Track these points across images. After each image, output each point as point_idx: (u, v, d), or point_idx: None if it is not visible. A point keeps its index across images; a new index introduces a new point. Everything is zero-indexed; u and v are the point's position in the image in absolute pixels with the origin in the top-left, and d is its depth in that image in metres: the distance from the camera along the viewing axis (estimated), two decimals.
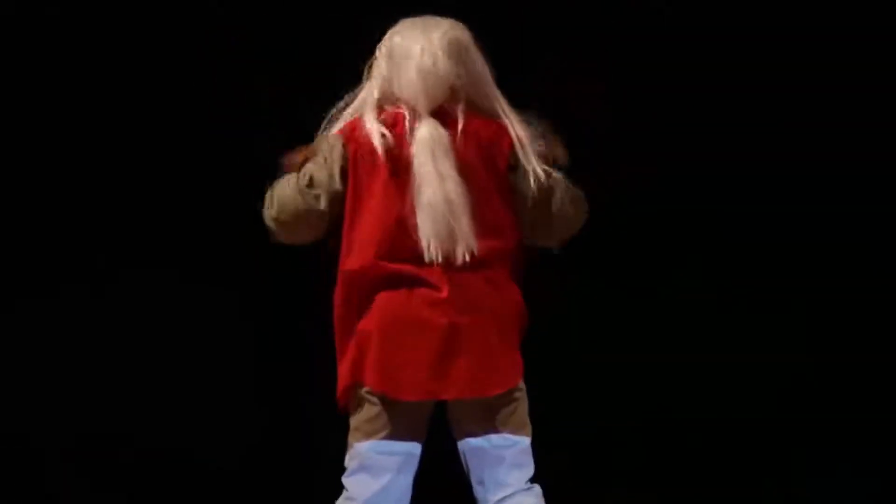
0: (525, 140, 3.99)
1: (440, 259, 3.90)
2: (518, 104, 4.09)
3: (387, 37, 4.04)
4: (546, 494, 4.03)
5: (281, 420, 6.39)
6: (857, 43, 6.79)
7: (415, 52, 3.97)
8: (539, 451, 4.06)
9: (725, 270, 6.76)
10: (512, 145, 3.97)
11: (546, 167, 4.00)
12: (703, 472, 6.66)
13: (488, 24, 4.23)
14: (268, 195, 4.05)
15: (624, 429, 6.63)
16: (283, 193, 4.04)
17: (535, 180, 3.99)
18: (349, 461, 3.98)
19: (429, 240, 3.89)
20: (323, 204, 3.99)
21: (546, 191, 3.99)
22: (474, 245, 3.89)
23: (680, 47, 6.84)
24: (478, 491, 3.99)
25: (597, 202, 5.42)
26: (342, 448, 4.06)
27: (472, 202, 3.90)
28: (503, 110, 4.01)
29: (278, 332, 6.43)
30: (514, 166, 3.99)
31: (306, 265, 4.35)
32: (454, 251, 3.87)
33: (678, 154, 6.80)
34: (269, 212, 4.04)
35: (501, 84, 4.08)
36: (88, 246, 6.66)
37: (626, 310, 6.75)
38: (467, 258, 3.89)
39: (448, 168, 3.88)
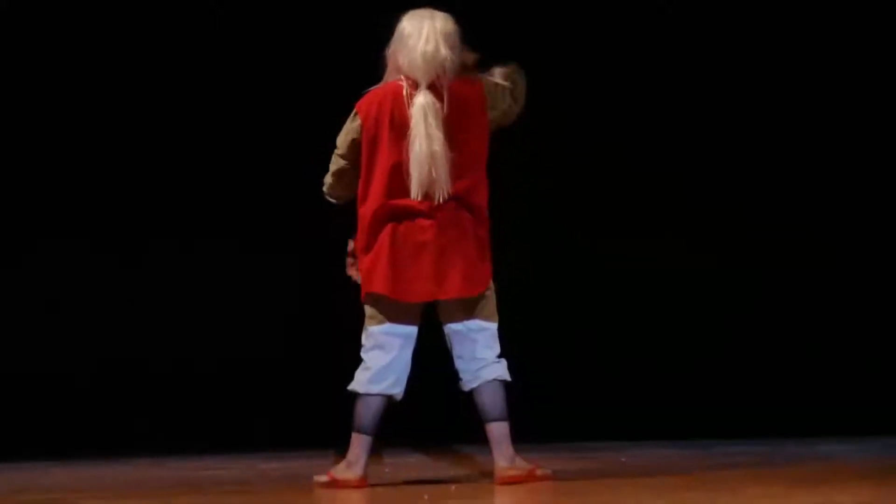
0: (490, 77, 4.79)
1: (422, 198, 4.66)
2: None
3: (399, 24, 4.81)
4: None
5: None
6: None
7: (421, 38, 4.73)
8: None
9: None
10: (483, 89, 4.77)
11: (506, 82, 4.82)
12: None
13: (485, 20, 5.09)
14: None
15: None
16: (330, 167, 4.85)
17: (506, 96, 4.82)
18: (366, 340, 4.81)
19: (416, 183, 4.69)
20: (343, 163, 4.82)
21: (514, 97, 4.82)
22: (448, 190, 4.65)
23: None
24: (458, 363, 4.84)
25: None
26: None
27: (452, 154, 4.65)
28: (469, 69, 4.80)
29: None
30: (490, 100, 4.78)
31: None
32: (434, 193, 4.67)
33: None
34: (325, 185, 4.88)
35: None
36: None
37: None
38: (443, 199, 4.65)
39: (435, 129, 4.66)
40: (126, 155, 7.43)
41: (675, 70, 7.33)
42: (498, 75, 4.84)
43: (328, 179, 4.93)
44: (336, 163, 4.88)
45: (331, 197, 4.96)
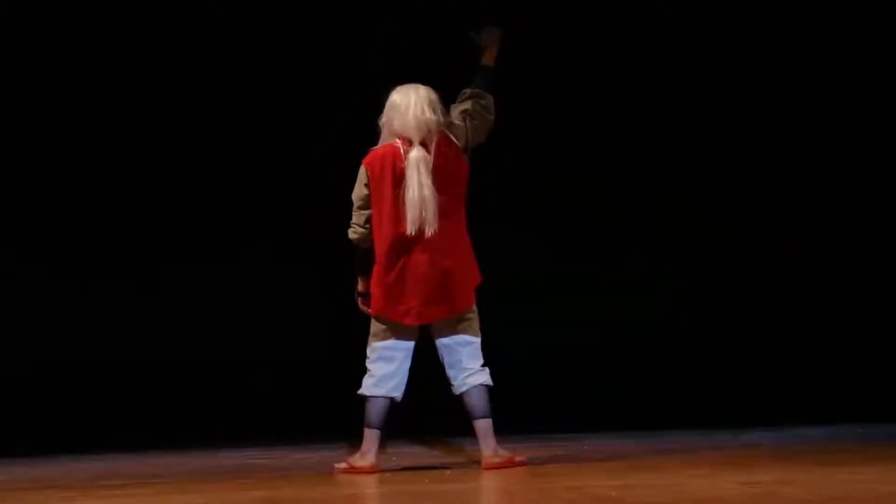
0: (452, 125, 5.26)
1: (415, 233, 5.09)
2: None
3: (389, 97, 5.32)
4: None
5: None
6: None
7: (410, 105, 5.24)
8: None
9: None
10: (453, 140, 5.26)
11: (461, 122, 5.30)
12: None
13: None
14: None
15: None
16: (357, 221, 5.30)
17: (469, 125, 5.32)
18: (371, 353, 5.33)
19: (410, 221, 5.16)
20: (368, 212, 5.29)
21: (481, 116, 5.34)
22: (435, 226, 5.09)
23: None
24: (449, 372, 5.36)
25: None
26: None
27: (439, 198, 5.11)
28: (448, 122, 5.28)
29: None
30: (462, 144, 5.28)
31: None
32: (424, 229, 5.14)
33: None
34: (352, 235, 5.31)
35: None
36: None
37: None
38: (431, 233, 5.08)
39: (425, 178, 5.15)
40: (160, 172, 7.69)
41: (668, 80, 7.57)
42: (456, 117, 5.31)
43: (360, 230, 5.33)
44: (362, 213, 5.30)
45: (363, 243, 5.34)
